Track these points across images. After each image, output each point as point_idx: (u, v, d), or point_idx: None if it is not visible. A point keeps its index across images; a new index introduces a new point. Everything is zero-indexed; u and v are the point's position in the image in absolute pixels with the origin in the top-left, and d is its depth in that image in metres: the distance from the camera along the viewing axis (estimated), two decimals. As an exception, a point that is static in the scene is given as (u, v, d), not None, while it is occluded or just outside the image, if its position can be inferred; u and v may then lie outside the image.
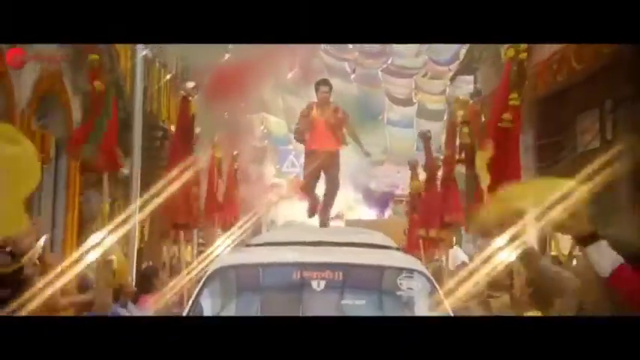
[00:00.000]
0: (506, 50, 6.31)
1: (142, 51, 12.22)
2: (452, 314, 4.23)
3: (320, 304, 4.37)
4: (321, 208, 7.97)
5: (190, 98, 9.56)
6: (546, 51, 10.60)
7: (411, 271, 4.56)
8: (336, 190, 8.24)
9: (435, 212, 8.94)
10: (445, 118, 20.43)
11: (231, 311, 4.39)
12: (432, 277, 4.57)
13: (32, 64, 10.62)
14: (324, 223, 7.65)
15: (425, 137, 10.36)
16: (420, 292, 4.44)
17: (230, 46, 17.02)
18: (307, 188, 8.35)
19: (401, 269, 4.55)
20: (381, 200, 27.81)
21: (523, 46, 5.82)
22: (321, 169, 8.23)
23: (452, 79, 18.65)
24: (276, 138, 27.08)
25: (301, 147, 10.51)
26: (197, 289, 4.40)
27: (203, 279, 4.43)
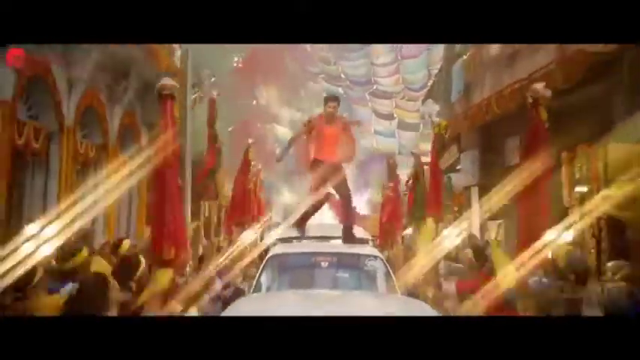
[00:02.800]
0: (434, 127, 9.29)
1: (192, 95, 15.17)
2: (395, 281, 6.94)
3: (324, 275, 6.97)
4: (343, 223, 7.53)
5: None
6: (477, 97, 13.57)
7: (374, 256, 7.36)
8: (350, 200, 7.63)
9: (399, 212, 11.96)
10: (420, 129, 23.45)
11: (275, 283, 6.99)
12: (384, 260, 7.40)
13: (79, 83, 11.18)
14: (349, 237, 7.35)
15: (389, 165, 13.28)
16: (378, 268, 7.22)
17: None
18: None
19: (368, 255, 7.33)
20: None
21: (444, 125, 8.82)
22: (327, 182, 7.35)
23: (423, 101, 21.57)
24: (283, 143, 30.21)
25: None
26: (259, 271, 6.99)
27: (262, 264, 7.20)
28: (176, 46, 15.02)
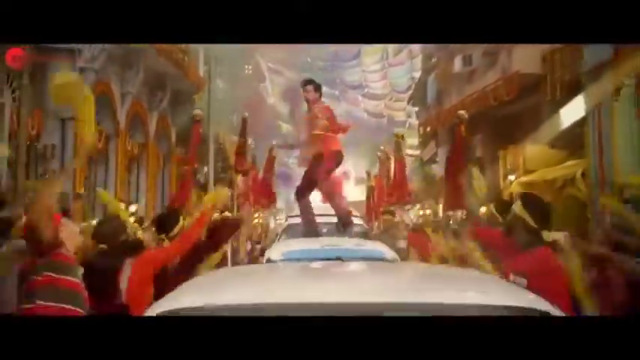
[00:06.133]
0: (394, 136, 12.17)
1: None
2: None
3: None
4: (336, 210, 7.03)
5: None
6: (447, 103, 16.48)
7: (360, 225, 10.23)
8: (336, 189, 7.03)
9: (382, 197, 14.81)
10: (407, 126, 26.38)
11: (293, 239, 9.87)
12: (364, 224, 10.22)
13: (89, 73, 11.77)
14: (347, 223, 6.98)
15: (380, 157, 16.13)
16: (362, 232, 10.09)
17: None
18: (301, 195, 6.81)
19: (357, 224, 10.13)
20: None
21: (401, 135, 11.73)
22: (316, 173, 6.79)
23: (408, 102, 24.50)
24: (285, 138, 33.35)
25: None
26: (279, 236, 9.97)
27: (280, 231, 10.09)
28: (201, 61, 17.90)
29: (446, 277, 2.99)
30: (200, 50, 18.07)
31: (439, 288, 2.48)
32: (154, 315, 2.25)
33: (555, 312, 2.21)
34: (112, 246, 4.30)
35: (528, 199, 4.24)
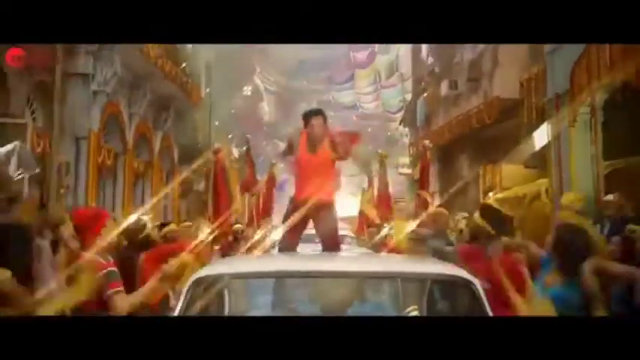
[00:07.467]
0: (379, 155, 13.32)
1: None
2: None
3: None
4: None
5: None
6: (435, 124, 17.67)
7: (350, 237, 11.39)
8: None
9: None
10: (398, 145, 27.58)
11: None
12: (354, 235, 11.37)
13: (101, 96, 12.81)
14: None
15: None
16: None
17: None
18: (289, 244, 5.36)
19: (345, 236, 11.35)
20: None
21: (385, 155, 12.90)
22: (310, 221, 5.40)
23: (400, 123, 25.73)
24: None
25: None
26: (277, 244, 11.14)
27: (278, 241, 11.25)
28: (203, 83, 19.14)
29: (405, 259, 4.53)
30: (202, 70, 19.29)
31: (401, 263, 3.98)
32: (196, 279, 3.12)
33: (476, 282, 3.17)
34: (132, 242, 5.54)
35: (485, 210, 5.34)
